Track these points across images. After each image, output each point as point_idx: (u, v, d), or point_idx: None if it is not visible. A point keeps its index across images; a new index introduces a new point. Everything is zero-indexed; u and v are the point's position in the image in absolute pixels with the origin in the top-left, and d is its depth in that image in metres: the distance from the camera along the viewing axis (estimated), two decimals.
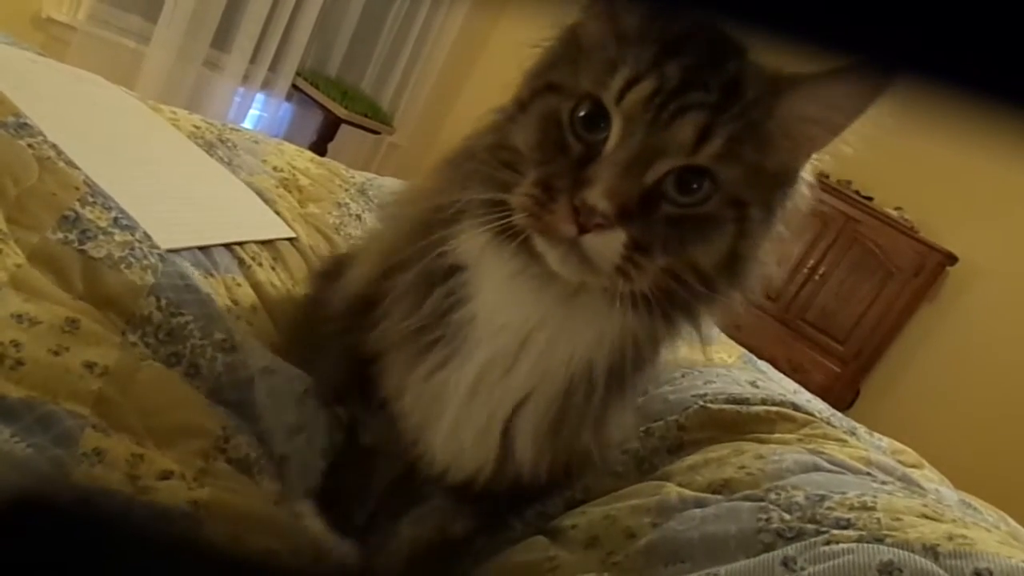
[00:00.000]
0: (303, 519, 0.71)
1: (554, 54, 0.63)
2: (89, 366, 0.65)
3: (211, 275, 0.92)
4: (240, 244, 1.03)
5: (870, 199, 3.62)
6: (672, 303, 0.60)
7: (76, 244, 0.78)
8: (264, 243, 1.09)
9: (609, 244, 0.54)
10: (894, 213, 3.52)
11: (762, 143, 0.57)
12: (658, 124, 0.54)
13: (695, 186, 0.56)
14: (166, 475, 0.62)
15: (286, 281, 1.06)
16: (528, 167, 0.59)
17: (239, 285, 0.96)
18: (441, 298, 0.67)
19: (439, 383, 0.67)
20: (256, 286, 0.98)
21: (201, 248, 0.95)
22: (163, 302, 0.78)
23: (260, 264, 1.03)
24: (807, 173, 0.65)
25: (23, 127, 0.86)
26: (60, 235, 0.77)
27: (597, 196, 0.53)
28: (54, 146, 0.87)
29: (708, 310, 0.64)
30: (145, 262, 0.81)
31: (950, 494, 1.14)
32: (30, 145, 0.84)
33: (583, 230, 0.54)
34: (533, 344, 0.64)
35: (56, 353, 0.64)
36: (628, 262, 0.55)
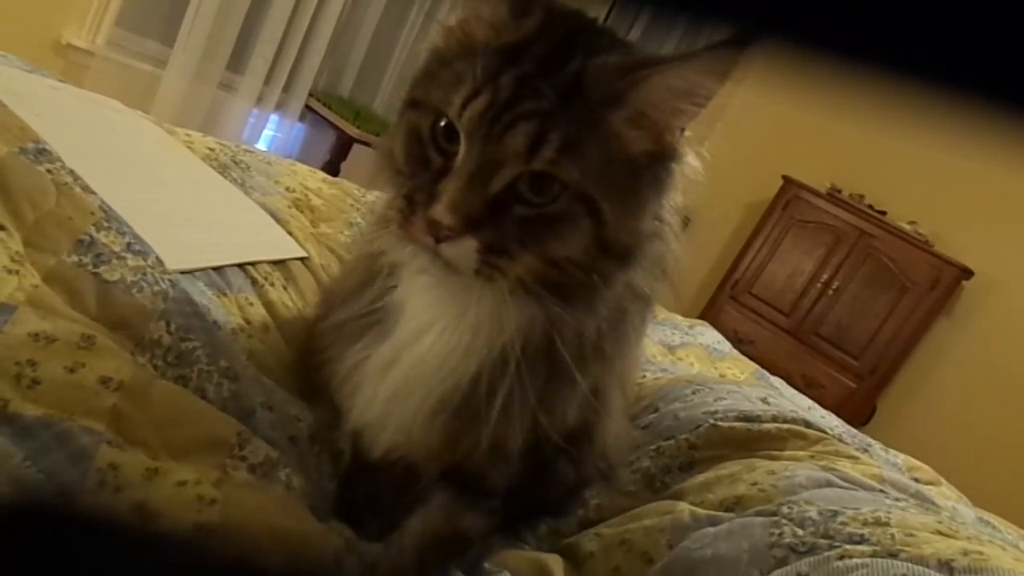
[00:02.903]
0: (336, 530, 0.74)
1: (422, 68, 0.67)
2: (104, 381, 0.66)
3: (224, 295, 0.94)
4: (253, 264, 1.04)
5: (883, 213, 3.60)
6: (561, 289, 0.63)
7: (90, 267, 0.79)
8: (276, 263, 1.10)
9: (462, 250, 0.59)
10: (908, 227, 3.50)
11: (611, 136, 0.60)
12: (493, 136, 0.58)
13: (546, 187, 0.59)
14: (181, 483, 0.63)
15: (297, 301, 1.07)
16: (403, 178, 0.65)
17: (251, 304, 0.97)
18: (378, 288, 0.73)
19: (362, 359, 0.74)
20: (268, 305, 1.00)
21: (215, 268, 0.97)
22: (173, 326, 0.79)
23: (272, 284, 1.04)
24: (693, 146, 0.66)
25: (42, 153, 0.87)
26: (75, 258, 0.79)
27: (442, 211, 0.58)
28: (71, 171, 0.89)
29: (605, 290, 0.66)
30: (156, 288, 0.82)
31: (967, 512, 1.13)
32: (49, 170, 0.86)
33: (438, 240, 0.59)
34: (441, 328, 0.69)
35: (72, 370, 0.65)
36: (485, 264, 0.60)
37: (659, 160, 0.63)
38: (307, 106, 3.09)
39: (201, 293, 0.89)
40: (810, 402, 1.66)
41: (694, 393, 1.14)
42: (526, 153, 0.57)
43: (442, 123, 0.61)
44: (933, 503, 0.92)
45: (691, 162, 0.66)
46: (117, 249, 0.83)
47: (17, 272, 0.71)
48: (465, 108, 0.58)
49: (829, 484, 0.86)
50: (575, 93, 0.58)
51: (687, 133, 0.63)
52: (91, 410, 0.63)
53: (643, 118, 0.60)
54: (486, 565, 0.75)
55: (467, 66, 0.60)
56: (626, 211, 0.62)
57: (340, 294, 0.81)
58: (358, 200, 1.55)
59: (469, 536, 0.77)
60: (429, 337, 0.70)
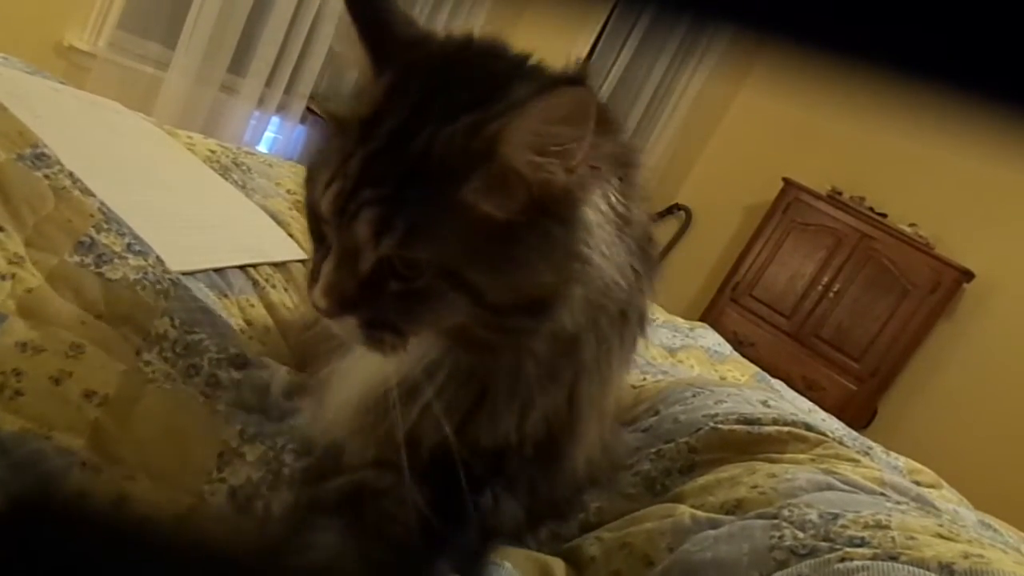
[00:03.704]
0: None
1: (319, 144, 0.66)
2: (88, 395, 0.66)
3: (226, 296, 0.94)
4: (254, 266, 1.04)
5: (884, 215, 3.60)
6: (475, 341, 0.63)
7: (93, 267, 0.79)
8: (277, 265, 1.10)
9: (345, 327, 0.61)
10: (908, 230, 3.50)
11: (467, 208, 0.56)
12: (344, 225, 0.58)
13: (412, 265, 0.58)
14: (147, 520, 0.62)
15: (299, 303, 1.07)
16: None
17: (253, 306, 0.97)
18: None
19: (329, 373, 0.75)
20: (269, 307, 1.00)
21: (216, 270, 0.97)
22: (177, 321, 0.79)
23: (273, 286, 1.05)
24: (601, 183, 0.64)
25: (40, 158, 0.88)
26: (77, 259, 0.79)
27: (318, 295, 0.59)
28: (70, 175, 0.89)
29: (529, 338, 0.64)
30: (159, 286, 0.83)
31: (968, 515, 1.12)
32: (46, 176, 0.86)
33: (326, 317, 0.61)
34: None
35: (57, 381, 0.64)
36: (370, 338, 0.61)
37: (548, 213, 0.59)
38: (308, 108, 3.10)
39: (203, 294, 0.89)
40: (811, 405, 1.66)
41: (694, 396, 1.14)
42: (372, 241, 0.57)
43: None
44: (934, 506, 0.92)
45: (599, 202, 0.63)
46: (118, 250, 0.84)
47: (12, 276, 0.71)
48: (323, 197, 0.58)
49: (830, 487, 0.86)
50: (423, 170, 0.56)
51: (580, 171, 0.59)
52: (72, 425, 0.63)
53: (506, 180, 0.57)
54: (490, 556, 0.76)
55: (333, 146, 0.60)
56: (507, 274, 0.59)
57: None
58: None
59: None
60: (368, 367, 0.70)
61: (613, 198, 0.65)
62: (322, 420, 0.75)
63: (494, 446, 0.70)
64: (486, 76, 0.61)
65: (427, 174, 0.56)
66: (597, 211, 0.63)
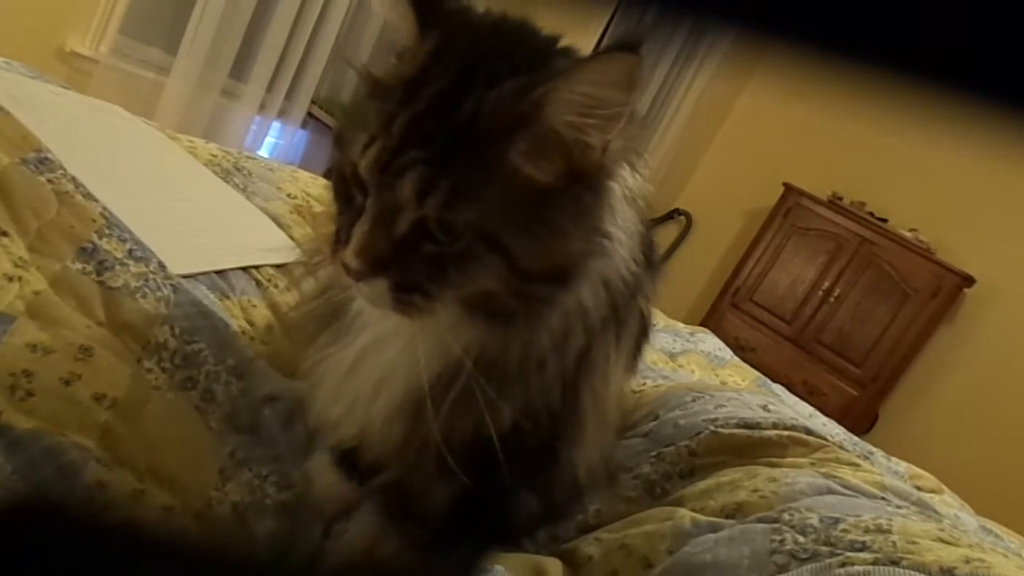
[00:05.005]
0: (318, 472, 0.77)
1: (349, 104, 0.66)
2: (98, 398, 0.66)
3: (227, 297, 0.94)
4: (256, 267, 1.05)
5: (885, 221, 3.60)
6: (498, 311, 0.63)
7: (94, 274, 0.79)
8: (279, 266, 1.11)
9: (376, 289, 0.60)
10: (909, 235, 3.50)
11: (511, 172, 0.57)
12: (385, 184, 0.58)
13: (449, 227, 0.58)
14: (168, 508, 0.63)
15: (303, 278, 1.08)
16: (336, 213, 0.65)
17: (255, 306, 0.97)
18: (339, 288, 0.72)
19: (326, 358, 0.73)
20: (273, 306, 1.00)
21: (218, 272, 0.97)
22: (177, 330, 0.79)
23: (276, 286, 1.05)
24: (629, 160, 0.64)
25: (44, 162, 0.88)
26: (79, 265, 0.79)
27: (350, 255, 0.59)
28: (73, 179, 0.89)
29: (548, 310, 0.64)
30: (159, 293, 0.83)
31: (969, 520, 1.12)
32: (50, 180, 0.86)
33: (356, 279, 0.60)
34: (402, 339, 0.69)
35: (67, 383, 0.65)
36: (400, 302, 0.60)
37: (581, 181, 0.60)
38: (309, 113, 3.11)
39: (204, 296, 0.89)
40: (811, 409, 1.66)
41: (694, 400, 1.14)
42: (416, 201, 0.57)
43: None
44: (935, 511, 0.92)
45: (627, 178, 0.64)
46: (119, 256, 0.84)
47: (19, 279, 0.72)
48: (363, 156, 0.58)
49: (830, 491, 0.86)
50: (470, 132, 0.56)
51: (614, 145, 0.59)
52: (83, 425, 0.63)
53: (547, 144, 0.58)
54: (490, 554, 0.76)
55: (372, 107, 0.60)
56: (540, 240, 0.60)
57: (312, 289, 0.82)
58: None
59: (385, 566, 0.75)
60: (393, 346, 0.69)
61: (639, 180, 0.66)
62: (334, 411, 0.74)
63: (499, 431, 0.68)
64: (527, 48, 0.62)
65: (473, 136, 0.56)
66: (625, 188, 0.64)
